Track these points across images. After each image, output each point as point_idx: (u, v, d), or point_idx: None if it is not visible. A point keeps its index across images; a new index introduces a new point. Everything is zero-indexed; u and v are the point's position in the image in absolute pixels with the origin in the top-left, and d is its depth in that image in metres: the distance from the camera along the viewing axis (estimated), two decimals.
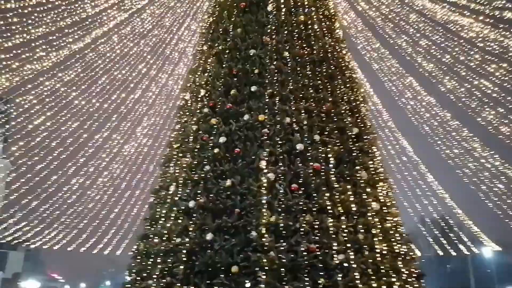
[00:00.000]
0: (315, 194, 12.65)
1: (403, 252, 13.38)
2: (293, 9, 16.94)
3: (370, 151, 15.36)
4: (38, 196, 20.77)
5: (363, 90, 20.65)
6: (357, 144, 14.63)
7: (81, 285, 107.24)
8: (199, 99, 15.62)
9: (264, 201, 12.22)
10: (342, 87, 16.02)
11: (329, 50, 16.59)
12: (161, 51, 21.46)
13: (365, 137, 15.47)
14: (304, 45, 16.02)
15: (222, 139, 13.78)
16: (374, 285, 11.50)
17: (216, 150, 13.65)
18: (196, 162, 13.99)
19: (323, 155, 13.53)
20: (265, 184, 12.55)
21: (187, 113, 15.99)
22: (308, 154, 13.31)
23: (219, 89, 15.03)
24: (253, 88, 14.49)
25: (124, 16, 16.44)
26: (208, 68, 16.33)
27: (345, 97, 15.78)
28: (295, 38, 16.04)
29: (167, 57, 21.95)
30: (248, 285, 11.19)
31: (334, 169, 13.43)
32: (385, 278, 11.92)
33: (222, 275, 11.33)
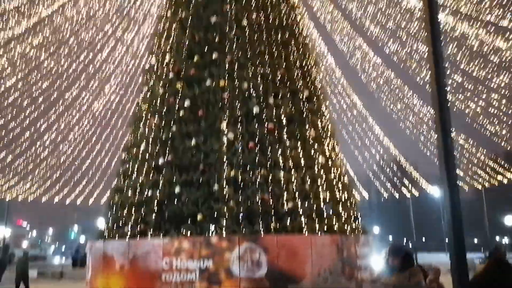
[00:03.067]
0: (269, 151, 14.12)
1: (344, 199, 15.27)
2: None
3: (319, 110, 16.85)
4: (12, 151, 21.35)
5: (316, 53, 21.87)
6: (307, 105, 16.04)
7: (49, 230, 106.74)
8: (164, 64, 16.44)
9: (224, 158, 13.61)
10: (295, 53, 17.15)
11: (284, 18, 17.54)
12: (126, 12, 21.70)
13: (315, 98, 16.92)
14: (261, 13, 16.88)
15: (187, 102, 14.82)
16: (317, 227, 13.34)
17: (181, 112, 14.72)
18: (164, 123, 15.08)
19: (277, 116, 14.91)
20: (225, 143, 13.88)
21: (154, 77, 16.84)
22: (263, 115, 14.62)
23: (183, 55, 15.88)
24: (214, 55, 15.40)
25: None
26: (172, 34, 17.01)
27: (297, 63, 16.98)
28: (253, 6, 16.86)
29: (132, 17, 22.20)
30: (212, 229, 12.78)
31: (286, 128, 14.90)
32: (327, 221, 13.79)
33: (189, 222, 12.84)
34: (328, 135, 16.48)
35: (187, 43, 16.01)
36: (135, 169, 14.96)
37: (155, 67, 16.89)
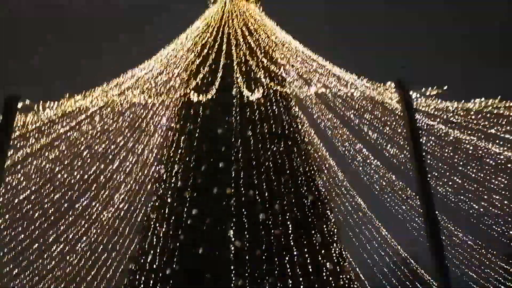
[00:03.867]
0: (277, 258, 14.01)
1: None
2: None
3: (324, 215, 16.96)
4: (19, 264, 21.01)
5: (319, 157, 22.55)
6: (312, 210, 16.22)
7: None
8: (173, 173, 16.99)
9: (232, 267, 13.46)
10: (298, 159, 17.78)
11: (286, 127, 18.49)
12: (137, 125, 22.79)
13: (320, 203, 17.13)
14: (265, 124, 17.82)
15: (194, 211, 15.07)
16: None
17: (189, 221, 14.90)
18: (172, 231, 15.16)
19: (283, 222, 15.02)
20: (232, 251, 13.85)
21: (163, 186, 17.29)
22: (269, 222, 14.76)
23: (191, 165, 16.49)
24: (221, 165, 16.01)
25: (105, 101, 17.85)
26: (181, 145, 17.83)
27: (301, 169, 17.52)
28: (257, 118, 17.85)
29: (143, 129, 23.24)
30: None
31: (292, 234, 14.90)
32: None
33: None
34: (335, 239, 16.39)
35: (194, 153, 16.72)
36: (142, 280, 14.69)
37: (164, 176, 17.42)
